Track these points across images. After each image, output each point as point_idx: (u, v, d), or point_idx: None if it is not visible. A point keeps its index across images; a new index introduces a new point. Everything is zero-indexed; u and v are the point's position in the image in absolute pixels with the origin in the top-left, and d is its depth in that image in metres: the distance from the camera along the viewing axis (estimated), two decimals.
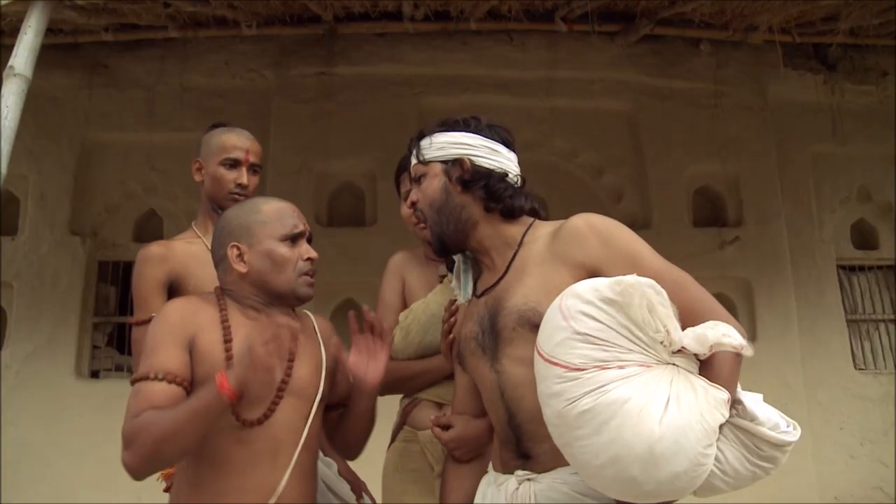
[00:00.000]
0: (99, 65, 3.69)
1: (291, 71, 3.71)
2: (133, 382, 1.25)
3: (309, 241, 1.39)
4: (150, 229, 3.70)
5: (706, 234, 3.75)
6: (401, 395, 1.70)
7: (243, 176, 1.72)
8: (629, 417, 0.97)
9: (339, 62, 3.72)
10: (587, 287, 1.05)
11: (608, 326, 1.01)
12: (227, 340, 1.28)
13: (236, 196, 1.71)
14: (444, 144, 1.28)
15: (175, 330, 1.26)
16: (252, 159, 1.75)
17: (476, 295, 1.30)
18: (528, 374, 1.12)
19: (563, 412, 1.01)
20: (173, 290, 1.67)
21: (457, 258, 1.37)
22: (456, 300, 1.42)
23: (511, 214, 1.26)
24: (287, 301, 1.36)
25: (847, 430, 3.62)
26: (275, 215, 1.35)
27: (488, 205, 1.25)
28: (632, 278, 1.02)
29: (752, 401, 1.05)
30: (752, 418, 1.03)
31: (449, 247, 1.30)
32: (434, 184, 1.27)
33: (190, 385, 1.25)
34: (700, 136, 3.83)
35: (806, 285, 3.76)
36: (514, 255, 1.24)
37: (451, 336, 1.40)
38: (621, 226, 1.20)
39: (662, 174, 3.80)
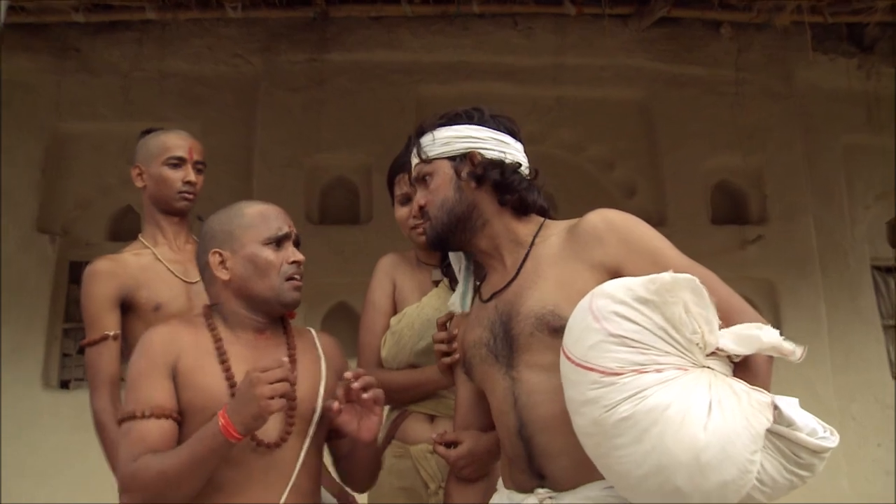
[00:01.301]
0: (69, 48, 3.60)
1: (280, 57, 3.66)
2: (121, 422, 1.27)
3: (296, 245, 1.39)
4: (127, 227, 3.63)
5: (726, 232, 3.71)
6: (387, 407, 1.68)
7: (190, 173, 1.77)
8: (671, 424, 0.97)
9: (331, 48, 3.68)
10: (619, 286, 1.06)
11: (644, 328, 1.02)
12: (224, 361, 1.30)
13: (186, 195, 1.77)
14: (449, 139, 1.28)
15: (156, 359, 1.28)
16: (196, 157, 1.80)
17: (483, 299, 1.29)
18: (547, 381, 1.14)
19: (600, 420, 1.02)
20: (125, 305, 1.70)
21: (455, 258, 1.37)
22: (449, 317, 1.41)
23: (524, 210, 1.27)
24: (272, 308, 1.36)
25: (885, 447, 3.55)
26: (258, 218, 1.37)
27: (503, 198, 1.25)
28: (668, 276, 1.03)
29: (788, 405, 1.04)
30: (790, 424, 1.02)
31: (449, 246, 1.30)
32: (444, 182, 1.26)
33: (179, 414, 1.27)
34: (720, 127, 3.76)
35: (837, 288, 3.69)
36: (526, 255, 1.25)
37: (457, 355, 1.38)
38: (641, 221, 1.20)
39: (678, 168, 3.75)
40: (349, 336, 3.41)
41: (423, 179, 1.30)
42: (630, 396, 1.00)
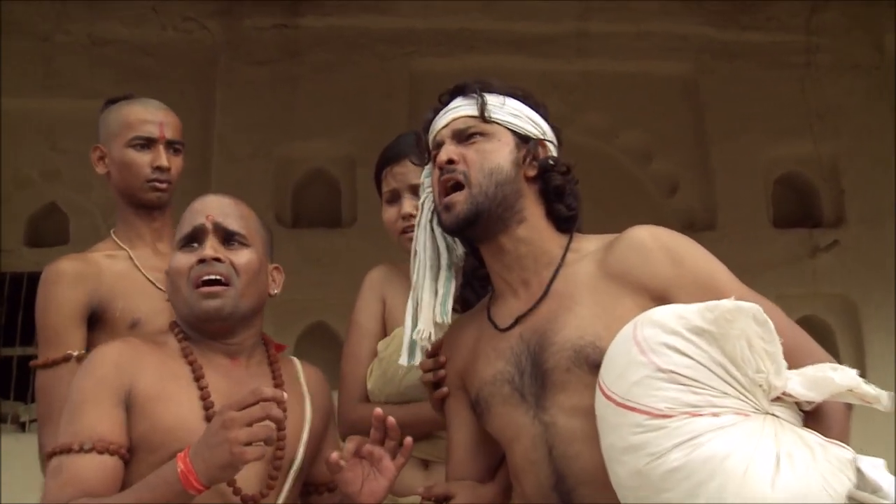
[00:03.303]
0: None
1: (243, 22, 3.67)
2: (50, 456, 1.23)
3: (230, 238, 1.35)
4: (51, 229, 3.61)
5: (792, 237, 3.69)
6: None
7: (161, 156, 1.71)
8: (732, 478, 0.98)
9: (306, 11, 3.69)
10: (669, 314, 1.08)
11: (699, 363, 1.04)
12: (202, 388, 1.28)
13: (157, 184, 1.72)
14: (520, 113, 1.32)
15: (106, 381, 1.25)
16: (169, 135, 1.74)
17: (500, 328, 1.30)
18: (587, 427, 1.15)
19: (644, 470, 1.03)
20: (93, 318, 1.66)
21: (436, 247, 1.35)
22: (439, 345, 1.38)
23: (566, 226, 1.30)
24: (201, 328, 1.33)
25: None
26: (182, 220, 1.37)
27: (552, 206, 1.28)
28: (729, 303, 1.05)
29: (872, 467, 1.03)
30: (875, 489, 1.01)
31: (479, 227, 1.27)
32: (503, 152, 1.28)
33: (128, 452, 1.23)
34: (785, 107, 3.74)
35: None
36: (555, 274, 1.27)
37: (445, 389, 1.37)
38: (693, 242, 1.23)
39: (732, 158, 3.72)
40: (329, 363, 3.40)
41: (468, 136, 1.29)
42: (682, 443, 1.00)
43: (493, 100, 1.31)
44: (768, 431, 1.02)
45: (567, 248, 1.29)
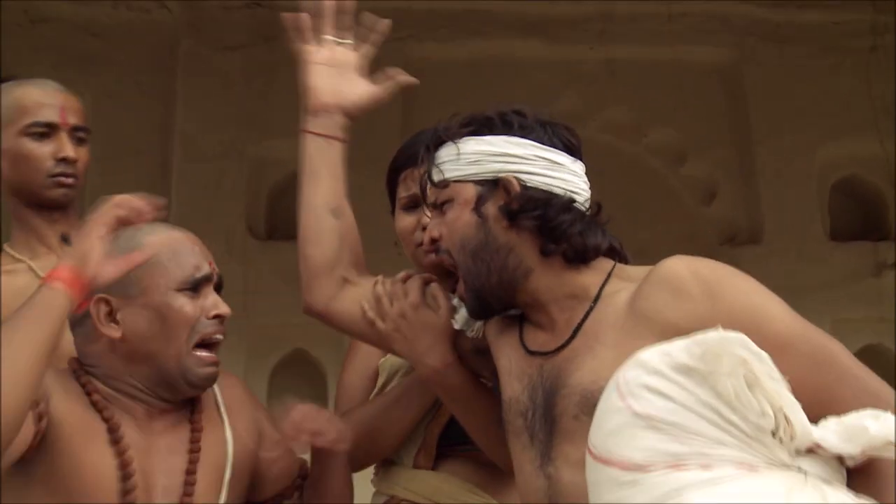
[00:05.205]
0: None
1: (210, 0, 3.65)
2: None
3: (217, 290, 1.41)
4: None
5: (853, 252, 3.65)
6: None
7: (66, 146, 1.70)
8: None
9: None
10: (657, 351, 1.07)
11: (684, 406, 1.02)
12: (117, 441, 1.30)
13: (62, 179, 1.70)
14: (479, 156, 1.31)
15: None
16: (72, 120, 1.73)
17: (527, 349, 1.34)
18: None
19: None
20: None
21: None
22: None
23: (582, 259, 1.29)
24: (176, 388, 1.37)
25: None
26: (166, 251, 1.38)
27: (547, 246, 1.28)
28: (716, 335, 1.02)
29: None
30: None
31: (493, 307, 1.34)
32: (465, 216, 1.31)
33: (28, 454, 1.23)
34: (845, 99, 3.67)
35: None
36: (588, 313, 1.29)
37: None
38: (737, 272, 1.22)
39: (781, 159, 3.67)
40: (309, 398, 3.39)
41: (440, 206, 1.34)
42: (658, 501, 0.99)
43: (446, 154, 1.32)
44: (779, 488, 0.99)
45: (603, 285, 1.29)
